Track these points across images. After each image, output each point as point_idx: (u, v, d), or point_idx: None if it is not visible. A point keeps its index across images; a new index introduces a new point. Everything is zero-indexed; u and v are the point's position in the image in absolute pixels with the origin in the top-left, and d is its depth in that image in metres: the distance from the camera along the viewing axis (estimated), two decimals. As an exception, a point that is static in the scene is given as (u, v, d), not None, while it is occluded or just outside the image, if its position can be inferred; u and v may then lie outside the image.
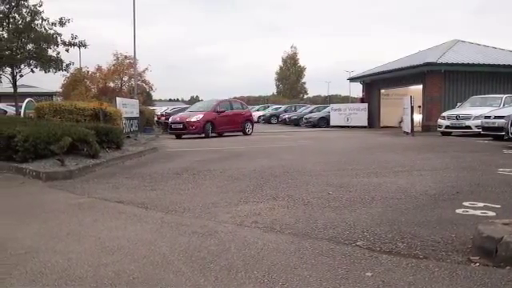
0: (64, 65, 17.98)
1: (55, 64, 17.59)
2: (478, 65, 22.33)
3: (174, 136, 19.93)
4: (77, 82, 39.62)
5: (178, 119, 20.12)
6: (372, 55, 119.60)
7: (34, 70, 17.78)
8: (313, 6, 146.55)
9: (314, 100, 78.02)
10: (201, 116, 19.86)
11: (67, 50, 17.92)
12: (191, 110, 22.09)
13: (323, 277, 3.13)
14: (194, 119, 19.68)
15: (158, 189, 6.65)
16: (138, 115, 19.09)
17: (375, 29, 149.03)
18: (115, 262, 3.50)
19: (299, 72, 76.93)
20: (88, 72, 42.94)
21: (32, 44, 16.99)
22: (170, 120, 21.00)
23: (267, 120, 38.41)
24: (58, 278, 3.17)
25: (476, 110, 17.10)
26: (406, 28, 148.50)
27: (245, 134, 21.27)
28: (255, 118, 39.19)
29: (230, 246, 3.83)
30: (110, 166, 9.35)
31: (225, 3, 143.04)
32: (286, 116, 35.96)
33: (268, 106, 47.45)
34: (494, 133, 14.38)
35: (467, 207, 5.07)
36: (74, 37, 17.70)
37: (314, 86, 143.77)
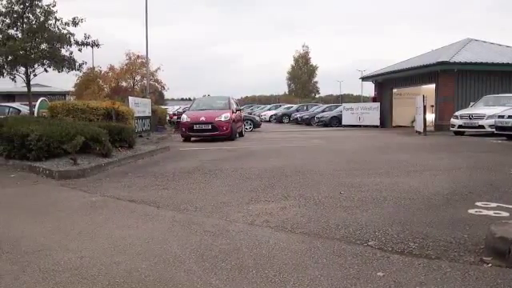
0: (77, 64, 18.09)
1: (68, 64, 17.71)
2: (492, 64, 22.08)
3: (186, 138, 16.62)
4: (89, 81, 39.93)
5: (204, 118, 16.17)
6: (385, 55, 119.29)
7: (48, 69, 17.92)
8: (325, 5, 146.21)
9: (326, 99, 77.82)
10: (228, 115, 16.60)
11: (80, 50, 18.01)
12: (201, 107, 17.96)
13: (334, 276, 3.12)
14: (223, 119, 16.22)
15: (170, 188, 6.68)
16: (150, 114, 19.16)
17: (388, 28, 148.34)
18: (127, 260, 3.52)
19: (311, 71, 76.72)
20: (101, 71, 43.25)
21: (45, 44, 17.11)
22: (186, 119, 16.53)
23: (279, 119, 38.39)
24: (71, 276, 3.20)
25: (489, 110, 16.92)
26: (418, 27, 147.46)
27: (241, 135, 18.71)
28: (267, 118, 39.36)
29: (242, 245, 3.84)
30: (123, 164, 9.41)
31: (240, 2, 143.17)
32: (298, 115, 35.90)
33: (280, 106, 47.42)
34: (507, 132, 14.23)
35: (480, 207, 5.02)
36: (86, 36, 17.79)
37: (325, 85, 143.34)
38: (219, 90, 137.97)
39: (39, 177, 7.89)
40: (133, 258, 3.59)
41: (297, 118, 35.33)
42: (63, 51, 17.67)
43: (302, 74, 75.69)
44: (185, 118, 16.80)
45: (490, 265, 3.29)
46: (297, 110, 39.36)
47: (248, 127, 24.20)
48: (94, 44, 18.28)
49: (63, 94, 40.79)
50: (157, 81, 46.30)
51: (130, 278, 3.16)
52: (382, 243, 3.85)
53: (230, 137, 16.19)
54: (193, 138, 16.55)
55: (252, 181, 7.15)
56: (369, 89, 66.77)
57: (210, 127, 16.12)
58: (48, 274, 3.24)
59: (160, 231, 4.36)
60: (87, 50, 18.60)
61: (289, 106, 45.63)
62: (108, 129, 10.32)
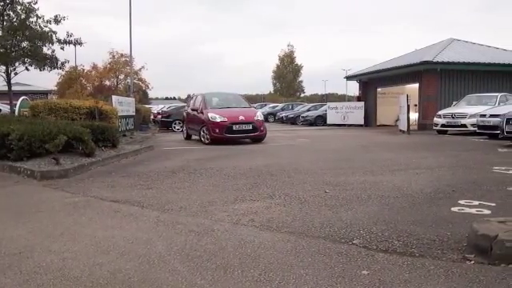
0: (59, 63, 17.89)
1: (50, 62, 17.51)
2: (474, 63, 22.39)
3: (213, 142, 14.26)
4: (72, 80, 39.54)
5: (243, 118, 14.45)
6: (369, 54, 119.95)
7: (29, 68, 17.69)
8: (311, 5, 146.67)
9: (311, 98, 78.03)
10: (261, 113, 16.28)
11: (62, 48, 17.83)
12: (222, 105, 15.63)
13: (319, 275, 3.13)
14: (260, 118, 15.21)
15: (154, 187, 6.63)
16: (133, 113, 19.04)
17: (373, 28, 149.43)
18: (111, 261, 3.48)
19: (296, 70, 77.02)
20: (83, 70, 42.87)
21: (27, 42, 16.88)
22: (221, 119, 14.28)
23: (264, 118, 38.40)
24: (53, 278, 3.15)
25: (471, 109, 17.15)
26: (403, 27, 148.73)
27: None
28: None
29: (227, 245, 3.83)
30: (106, 164, 9.32)
31: (227, 1, 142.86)
32: (283, 114, 36.00)
33: (265, 105, 47.47)
34: (489, 131, 14.42)
35: (463, 205, 5.08)
36: (69, 35, 17.61)
37: (311, 84, 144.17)
38: (204, 89, 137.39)
39: (20, 177, 7.77)
40: (117, 258, 3.55)
41: (282, 117, 35.43)
42: (45, 49, 17.47)
43: (288, 73, 75.92)
44: (216, 117, 14.23)
45: (472, 262, 3.33)
46: (282, 109, 39.48)
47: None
48: (77, 42, 18.09)
49: (45, 93, 40.29)
50: (141, 80, 46.11)
51: (113, 279, 3.13)
52: (366, 242, 3.87)
53: (263, 138, 14.92)
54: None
55: (237, 180, 7.13)
56: (353, 88, 67.15)
57: (250, 127, 14.44)
58: (29, 277, 3.19)
59: (144, 231, 4.32)
60: (70, 48, 18.38)
61: (274, 105, 45.73)
62: (91, 128, 10.20)
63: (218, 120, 14.24)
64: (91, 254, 3.67)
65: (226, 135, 14.16)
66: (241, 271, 3.22)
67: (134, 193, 6.25)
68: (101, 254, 3.65)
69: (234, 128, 14.23)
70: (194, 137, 16.50)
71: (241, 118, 14.42)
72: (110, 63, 44.42)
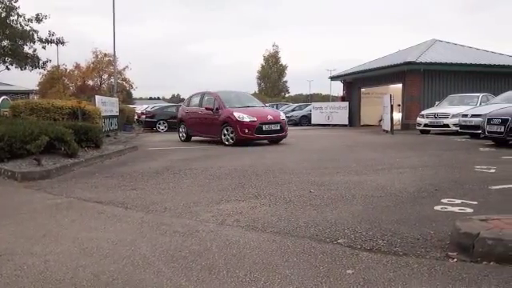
0: (41, 62, 17.66)
1: (31, 61, 17.27)
2: (456, 64, 22.70)
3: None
4: (54, 79, 39.06)
5: (272, 118, 14.03)
6: (353, 55, 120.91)
7: (10, 67, 17.42)
8: (296, 5, 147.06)
9: (296, 98, 78.26)
10: (283, 113, 16.03)
11: (44, 48, 17.60)
12: (243, 104, 14.88)
13: (305, 275, 3.13)
14: (284, 117, 14.96)
15: (139, 188, 6.58)
16: (117, 114, 18.90)
17: (357, 28, 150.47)
18: (94, 263, 3.44)
19: (281, 70, 77.17)
20: (66, 70, 42.38)
21: (7, 41, 16.64)
22: (250, 119, 13.51)
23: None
24: (35, 281, 3.10)
25: (454, 109, 17.37)
26: (387, 28, 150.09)
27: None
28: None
29: (212, 246, 3.81)
30: (89, 165, 9.22)
31: (213, 1, 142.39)
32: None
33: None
34: (471, 131, 14.62)
35: (445, 204, 5.14)
36: (51, 34, 17.40)
37: (295, 84, 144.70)
38: (189, 89, 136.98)
39: (0, 178, 7.64)
40: (100, 260, 3.51)
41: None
42: (26, 49, 17.22)
43: (272, 73, 76.03)
44: (245, 116, 13.45)
45: (455, 260, 3.36)
46: (266, 109, 39.41)
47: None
48: (59, 41, 17.89)
49: (26, 93, 39.67)
50: (125, 79, 45.75)
51: (97, 281, 3.09)
52: (351, 241, 3.88)
53: (286, 137, 14.49)
54: (194, 139, 15.46)
55: (222, 180, 7.12)
56: (338, 88, 67.57)
57: (278, 127, 13.94)
58: (10, 280, 3.13)
59: (128, 233, 4.28)
60: (52, 47, 18.16)
61: (259, 105, 45.63)
62: (74, 128, 10.09)
63: (248, 120, 13.45)
64: (74, 256, 3.62)
65: (256, 135, 13.52)
66: (226, 272, 3.21)
67: (117, 194, 6.19)
68: (84, 256, 3.60)
69: (264, 128, 13.63)
70: (193, 138, 15.82)
71: (269, 117, 13.92)
72: (93, 63, 44.03)
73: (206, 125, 14.85)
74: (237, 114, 13.58)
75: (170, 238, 4.07)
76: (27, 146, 8.23)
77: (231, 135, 13.62)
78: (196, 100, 16.04)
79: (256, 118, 13.57)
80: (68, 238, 4.14)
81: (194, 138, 16.01)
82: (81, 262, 3.45)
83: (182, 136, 16.26)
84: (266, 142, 14.23)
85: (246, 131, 13.39)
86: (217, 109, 14.32)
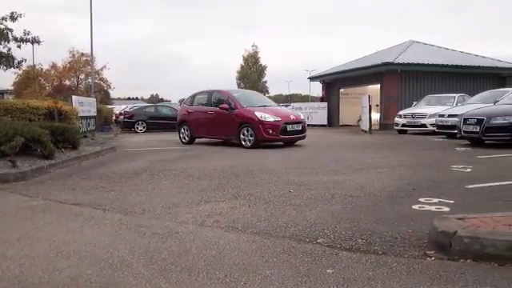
0: (15, 62, 17.29)
1: (6, 61, 16.88)
2: (432, 65, 23.06)
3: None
4: (30, 79, 38.35)
5: (294, 117, 13.45)
6: (333, 55, 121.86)
7: (-17, 67, 17.01)
8: (275, 6, 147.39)
9: (276, 99, 78.10)
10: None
11: (19, 47, 17.22)
12: (262, 103, 14.26)
13: (285, 275, 3.13)
14: (303, 117, 14.42)
15: (117, 190, 6.50)
16: (95, 114, 18.68)
17: (336, 29, 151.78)
18: (71, 266, 3.38)
19: (260, 71, 77.13)
20: (42, 69, 41.66)
21: (-20, 40, 16.25)
22: (274, 119, 12.78)
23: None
24: (10, 286, 3.03)
25: (431, 109, 17.63)
26: (365, 28, 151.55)
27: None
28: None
29: (191, 247, 3.79)
30: (66, 166, 9.08)
31: (192, 0, 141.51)
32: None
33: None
34: (447, 131, 14.85)
35: (423, 203, 5.20)
36: (26, 32, 17.03)
37: (275, 85, 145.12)
38: (168, 89, 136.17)
39: (-25, 180, 7.46)
40: (77, 263, 3.45)
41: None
42: (0, 48, 16.83)
43: (252, 73, 75.96)
44: (267, 116, 12.70)
45: (433, 258, 3.41)
46: (246, 110, 39.44)
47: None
48: (35, 41, 17.54)
49: (1, 93, 38.89)
50: (102, 79, 45.16)
51: (74, 284, 3.03)
52: (330, 240, 3.90)
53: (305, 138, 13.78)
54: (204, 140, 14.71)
55: (202, 181, 7.08)
56: (317, 89, 68.01)
57: (300, 128, 13.29)
58: (-16, 284, 3.06)
59: (106, 235, 4.22)
60: (27, 46, 17.76)
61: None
62: (50, 129, 9.93)
63: (271, 120, 12.67)
64: (50, 259, 3.56)
65: (281, 136, 12.82)
66: (206, 273, 3.19)
67: (95, 195, 6.10)
68: (61, 259, 3.54)
69: (288, 128, 12.89)
70: (197, 140, 14.84)
71: (292, 117, 13.31)
72: (69, 62, 43.34)
73: (217, 125, 13.81)
74: (259, 114, 12.75)
75: (149, 239, 4.03)
76: (1, 147, 8.05)
77: (252, 137, 12.70)
78: (202, 99, 14.99)
79: (280, 117, 12.86)
80: (44, 240, 4.06)
81: (198, 140, 14.96)
82: (57, 266, 3.39)
83: (184, 138, 15.02)
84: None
85: (271, 132, 12.59)
86: (231, 108, 13.37)
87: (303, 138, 13.53)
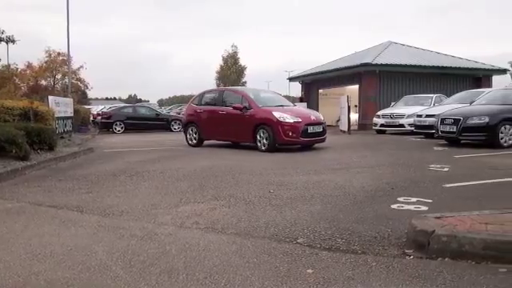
0: (-11, 61, 16.93)
1: (-20, 60, 16.53)
2: (410, 65, 23.35)
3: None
4: (4, 79, 37.52)
5: (314, 118, 12.39)
6: (312, 56, 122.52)
7: (-44, 66, 16.61)
8: (255, 6, 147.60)
9: (254, 99, 78.11)
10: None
11: (-7, 46, 16.88)
12: (276, 103, 12.96)
13: (265, 275, 3.13)
14: (323, 118, 13.07)
15: (94, 191, 6.40)
16: (72, 115, 18.38)
17: (315, 30, 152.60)
18: (48, 269, 3.31)
19: (240, 71, 77.01)
20: (17, 69, 40.83)
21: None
22: (295, 120, 11.67)
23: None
24: (-16, 290, 2.96)
25: (409, 109, 17.83)
26: (345, 29, 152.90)
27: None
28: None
29: (171, 249, 3.75)
30: (42, 168, 8.92)
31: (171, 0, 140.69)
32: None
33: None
34: (425, 131, 15.06)
35: (402, 202, 5.26)
36: (0, 32, 16.71)
37: (254, 85, 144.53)
38: (147, 89, 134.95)
39: None
40: (54, 267, 3.38)
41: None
42: (-26, 47, 16.49)
43: (231, 73, 75.79)
44: (287, 117, 11.63)
45: (411, 257, 3.44)
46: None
47: (177, 127, 23.91)
48: (9, 40, 17.21)
49: (-25, 93, 37.97)
50: (79, 79, 44.50)
51: (50, 288, 2.98)
52: (310, 240, 3.91)
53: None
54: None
55: (181, 182, 7.03)
56: (296, 89, 68.27)
57: (321, 129, 12.20)
58: (-43, 289, 2.97)
59: (84, 237, 4.15)
60: (1, 46, 17.45)
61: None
62: (26, 130, 9.74)
63: (291, 121, 11.57)
64: (26, 262, 3.48)
65: (302, 139, 11.66)
66: (185, 275, 3.16)
67: (72, 197, 6.00)
68: (37, 263, 3.47)
69: (309, 130, 11.74)
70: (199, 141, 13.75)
71: (313, 118, 12.23)
72: (46, 62, 42.60)
73: (229, 127, 12.71)
74: (277, 114, 11.65)
75: (128, 241, 3.98)
76: (-25, 148, 7.87)
77: (269, 139, 11.55)
78: (212, 98, 13.93)
79: (300, 118, 11.77)
80: (19, 244, 3.97)
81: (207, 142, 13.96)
82: (33, 269, 3.31)
83: (191, 140, 13.90)
84: (220, 141, 14.10)
85: (290, 134, 11.46)
86: (246, 108, 12.28)
87: (323, 140, 12.39)
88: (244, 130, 12.17)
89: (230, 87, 13.94)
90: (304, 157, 10.41)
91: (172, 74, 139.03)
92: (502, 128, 11.16)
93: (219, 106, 13.19)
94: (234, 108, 12.46)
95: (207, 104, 13.84)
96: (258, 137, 11.84)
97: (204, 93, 14.70)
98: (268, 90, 14.91)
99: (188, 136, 14.06)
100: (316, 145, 12.28)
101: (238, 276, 3.13)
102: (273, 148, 11.45)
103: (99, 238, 4.12)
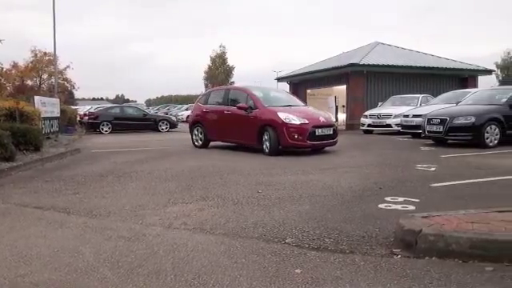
0: (-26, 61, 16.71)
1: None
2: (397, 66, 23.52)
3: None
4: (-10, 79, 37.08)
5: (324, 120, 11.24)
6: (300, 56, 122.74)
7: None
8: (242, 6, 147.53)
9: (243, 99, 78.10)
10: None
11: (-22, 46, 16.67)
12: (284, 103, 11.94)
13: (253, 276, 3.12)
14: (335, 120, 12.89)
15: (81, 192, 6.35)
16: (58, 115, 18.21)
17: (303, 30, 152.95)
18: (34, 271, 3.28)
19: (228, 71, 76.96)
20: (2, 69, 40.34)
21: None
22: (301, 121, 10.62)
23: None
24: (-32, 293, 2.92)
25: (396, 109, 17.96)
26: (333, 30, 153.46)
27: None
28: (184, 118, 38.74)
29: (159, 250, 3.73)
30: (28, 169, 8.82)
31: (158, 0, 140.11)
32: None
33: (197, 106, 46.98)
34: (412, 131, 15.18)
35: (389, 202, 5.29)
36: (-15, 31, 16.52)
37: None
38: (134, 90, 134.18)
39: None
40: (40, 269, 3.34)
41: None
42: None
43: (219, 73, 75.70)
44: (293, 118, 10.67)
45: (399, 256, 3.47)
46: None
47: (164, 127, 23.82)
48: (-5, 39, 17.00)
49: (-41, 94, 37.44)
50: (66, 79, 44.18)
51: (36, 290, 2.94)
52: (298, 240, 3.92)
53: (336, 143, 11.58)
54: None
55: (169, 182, 7.00)
56: (284, 89, 68.43)
57: (331, 132, 11.12)
58: None
59: (71, 239, 4.11)
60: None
61: (206, 106, 45.38)
62: (11, 130, 9.65)
63: (297, 122, 10.58)
64: (12, 265, 3.43)
65: (309, 142, 10.66)
66: (174, 276, 3.15)
67: (59, 198, 5.95)
68: (23, 265, 3.42)
69: (317, 133, 10.75)
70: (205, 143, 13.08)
71: (322, 119, 11.12)
72: (32, 62, 42.20)
73: (234, 127, 11.93)
74: (282, 115, 10.70)
75: (115, 242, 3.95)
76: (-41, 149, 7.76)
77: (273, 142, 10.67)
78: (218, 97, 13.21)
79: (308, 120, 10.77)
80: (5, 245, 3.92)
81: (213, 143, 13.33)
82: (19, 272, 3.27)
83: (197, 141, 13.27)
84: (215, 143, 14.05)
85: (296, 137, 10.50)
86: (251, 108, 11.40)
87: (334, 144, 11.39)
88: (249, 131, 11.30)
89: (236, 85, 13.08)
90: (291, 156, 10.41)
91: (160, 74, 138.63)
92: (488, 128, 11.29)
93: (225, 106, 12.44)
94: (239, 108, 11.65)
95: (213, 103, 13.10)
96: (263, 139, 10.98)
97: (210, 91, 13.80)
98: (278, 89, 13.89)
99: (194, 137, 13.45)
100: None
101: (226, 276, 3.12)
102: (275, 151, 10.61)
103: (86, 239, 4.09)
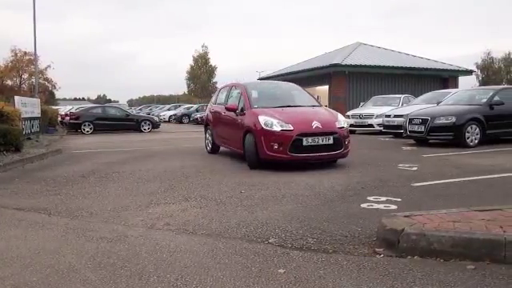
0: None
1: None
2: (378, 66, 23.78)
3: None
4: (-32, 79, 36.46)
5: (319, 125, 8.15)
6: (283, 56, 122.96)
7: None
8: (225, 6, 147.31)
9: (226, 99, 77.93)
10: (343, 117, 9.97)
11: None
12: (271, 103, 9.31)
13: (237, 276, 3.12)
14: (344, 125, 9.01)
15: (63, 193, 6.27)
16: (39, 115, 17.97)
17: (286, 30, 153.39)
18: (14, 274, 3.23)
19: (210, 71, 76.71)
20: (-19, 69, 39.72)
21: None
22: (282, 126, 8.04)
23: (179, 119, 37.87)
24: None
25: (377, 109, 18.09)
26: (316, 30, 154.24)
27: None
28: (166, 118, 38.58)
29: (141, 250, 3.71)
30: (8, 170, 8.67)
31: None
32: (198, 115, 35.69)
33: (179, 106, 46.85)
34: (394, 131, 15.32)
35: (371, 201, 5.34)
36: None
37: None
38: (116, 90, 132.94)
39: None
40: (21, 271, 3.29)
41: (197, 118, 35.07)
42: None
43: (202, 73, 75.42)
44: (273, 122, 8.21)
45: (382, 255, 3.50)
46: (197, 111, 39.08)
47: (147, 128, 23.65)
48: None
49: None
50: (47, 79, 43.63)
51: (16, 293, 2.90)
52: (282, 240, 3.93)
53: (345, 156, 8.93)
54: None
55: (151, 183, 6.95)
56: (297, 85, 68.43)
57: (330, 141, 8.27)
58: None
59: (52, 240, 4.06)
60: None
61: (189, 106, 45.21)
62: (-9, 131, 9.47)
63: (277, 128, 8.13)
64: (-9, 267, 3.38)
65: (292, 154, 8.01)
66: (156, 277, 3.13)
67: (40, 199, 5.87)
68: (3, 267, 3.37)
69: (305, 142, 8.04)
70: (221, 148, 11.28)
71: (315, 124, 8.24)
72: (12, 62, 41.56)
73: (228, 131, 10.12)
74: (262, 119, 8.34)
75: (97, 244, 3.91)
76: None
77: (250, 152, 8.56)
78: (222, 96, 11.23)
79: (292, 125, 8.16)
80: (-16, 248, 3.85)
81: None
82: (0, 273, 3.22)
83: (207, 145, 11.61)
84: (199, 144, 13.89)
85: (276, 147, 8.04)
86: (242, 109, 9.32)
87: (336, 156, 8.71)
88: (236, 136, 9.32)
89: (237, 82, 11.56)
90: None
91: (142, 74, 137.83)
92: (469, 128, 11.44)
93: (224, 105, 10.42)
94: (227, 109, 9.85)
95: (219, 103, 11.18)
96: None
97: (220, 89, 12.20)
98: (288, 85, 12.29)
99: (206, 141, 11.83)
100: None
101: (209, 277, 3.11)
102: (254, 163, 8.39)
103: (68, 240, 4.04)
